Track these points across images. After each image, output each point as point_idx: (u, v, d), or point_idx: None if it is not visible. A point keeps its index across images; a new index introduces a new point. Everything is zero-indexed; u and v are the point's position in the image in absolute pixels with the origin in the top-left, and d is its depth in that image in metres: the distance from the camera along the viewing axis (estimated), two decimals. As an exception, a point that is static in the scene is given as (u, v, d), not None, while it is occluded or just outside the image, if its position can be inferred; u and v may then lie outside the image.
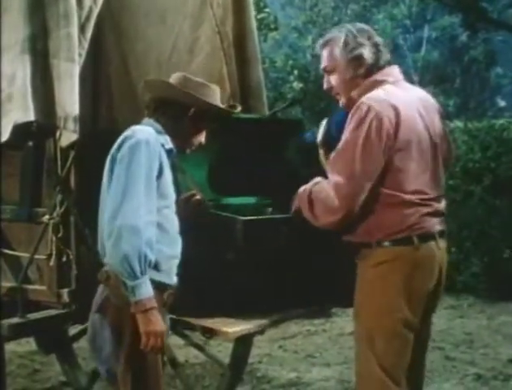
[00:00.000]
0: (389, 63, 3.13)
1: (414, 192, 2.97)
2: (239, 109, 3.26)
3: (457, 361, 5.65)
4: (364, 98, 2.98)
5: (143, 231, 2.71)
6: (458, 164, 8.63)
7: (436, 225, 3.05)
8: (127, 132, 2.88)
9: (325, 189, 2.97)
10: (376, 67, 3.08)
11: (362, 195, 2.92)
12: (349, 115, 2.99)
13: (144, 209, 2.74)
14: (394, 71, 3.14)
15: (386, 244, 2.97)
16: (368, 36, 3.09)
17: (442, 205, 3.13)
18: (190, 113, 2.99)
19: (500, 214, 8.42)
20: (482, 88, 23.33)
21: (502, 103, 25.53)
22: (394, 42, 24.84)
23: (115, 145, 2.87)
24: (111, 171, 2.84)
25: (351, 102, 3.05)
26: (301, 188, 3.13)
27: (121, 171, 2.78)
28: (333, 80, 3.12)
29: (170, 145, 2.95)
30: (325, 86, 3.19)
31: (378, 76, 3.07)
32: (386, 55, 3.12)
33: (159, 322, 2.77)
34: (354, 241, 3.06)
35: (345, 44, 3.06)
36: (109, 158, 2.88)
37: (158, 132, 2.93)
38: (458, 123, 9.83)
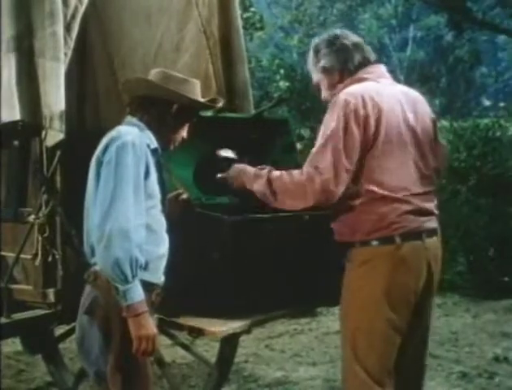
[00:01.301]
0: (368, 61, 3.17)
1: (394, 189, 2.97)
2: (221, 103, 3.25)
3: (442, 359, 5.67)
4: (341, 93, 3.03)
5: (133, 235, 2.70)
6: (444, 163, 8.66)
7: (422, 224, 3.03)
8: (112, 133, 2.87)
9: (296, 179, 2.98)
10: (348, 69, 3.14)
11: (342, 186, 2.93)
12: (327, 111, 3.03)
13: (133, 212, 2.72)
14: (377, 70, 3.18)
15: (368, 243, 2.98)
16: (329, 44, 3.17)
17: (430, 203, 3.11)
18: (173, 110, 2.98)
19: (485, 213, 8.46)
20: (467, 88, 23.46)
21: (487, 103, 25.70)
22: (380, 42, 24.95)
23: (101, 147, 2.85)
24: (98, 173, 2.82)
25: None
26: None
27: (109, 174, 2.76)
28: (322, 92, 3.23)
29: (155, 144, 2.94)
30: (322, 98, 3.28)
31: (359, 74, 3.13)
32: (359, 55, 3.15)
33: (151, 325, 2.76)
34: (340, 241, 3.07)
35: (312, 60, 3.23)
36: (94, 159, 2.86)
37: (142, 132, 2.92)
38: (444, 123, 9.88)
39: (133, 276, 2.69)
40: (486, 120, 10.11)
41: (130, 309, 2.71)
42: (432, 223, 3.10)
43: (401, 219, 2.97)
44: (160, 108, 2.98)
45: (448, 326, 6.79)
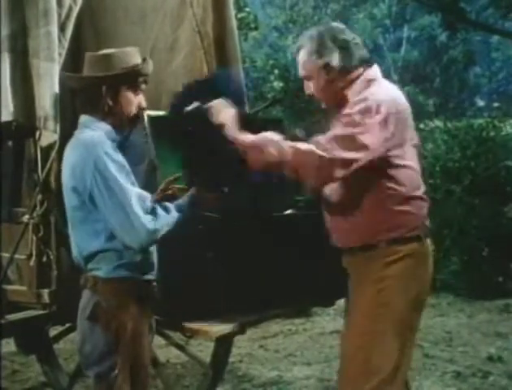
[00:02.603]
0: (364, 60, 3.09)
1: (416, 187, 3.01)
2: (149, 64, 3.03)
3: (436, 358, 5.68)
4: (367, 95, 2.96)
5: (149, 224, 2.78)
6: (438, 164, 8.68)
7: (428, 221, 3.09)
8: (79, 153, 2.83)
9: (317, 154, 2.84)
10: (349, 67, 3.05)
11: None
12: (348, 111, 2.94)
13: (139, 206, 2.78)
14: (377, 70, 3.15)
15: (396, 242, 2.97)
16: (333, 39, 3.05)
17: None
18: (103, 91, 2.90)
19: (479, 213, 8.48)
20: (461, 88, 23.49)
21: (481, 103, 25.72)
22: (374, 42, 24.97)
23: (70, 172, 2.84)
24: (79, 199, 2.81)
25: (336, 102, 3.08)
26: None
27: (105, 200, 2.77)
28: (312, 86, 3.12)
29: (115, 138, 2.92)
30: (306, 92, 3.18)
31: (368, 75, 3.06)
32: (358, 53, 3.07)
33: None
34: (360, 245, 3.02)
35: (311, 53, 3.06)
36: (69, 184, 2.84)
37: (102, 131, 2.89)
38: (438, 123, 9.89)
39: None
40: (480, 120, 10.11)
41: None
42: None
43: (424, 218, 3.03)
44: (93, 96, 2.92)
45: (442, 326, 6.80)
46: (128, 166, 2.84)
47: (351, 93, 3.03)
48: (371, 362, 2.95)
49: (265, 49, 22.06)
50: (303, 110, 11.75)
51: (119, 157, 2.83)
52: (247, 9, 12.28)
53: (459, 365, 5.58)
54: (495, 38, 23.77)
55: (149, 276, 2.93)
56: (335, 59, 3.03)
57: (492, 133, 9.23)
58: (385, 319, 2.96)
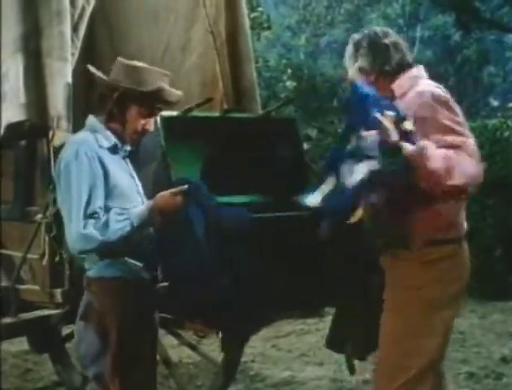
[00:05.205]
0: (407, 62, 3.14)
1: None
2: (174, 93, 3.02)
3: (449, 359, 5.61)
4: (425, 87, 3.06)
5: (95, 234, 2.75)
6: (452, 163, 8.64)
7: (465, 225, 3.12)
8: (63, 148, 2.92)
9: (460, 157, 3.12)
10: (385, 71, 3.10)
11: None
12: (412, 104, 2.98)
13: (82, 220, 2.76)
14: (422, 70, 3.21)
15: (432, 244, 2.97)
16: (369, 44, 3.11)
17: None
18: (114, 97, 2.89)
19: (492, 213, 8.44)
20: (475, 88, 23.37)
21: (495, 103, 25.58)
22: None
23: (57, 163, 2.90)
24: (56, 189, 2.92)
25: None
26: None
27: (61, 197, 2.85)
28: None
29: (111, 141, 2.91)
30: None
31: (415, 72, 3.14)
32: (397, 56, 3.11)
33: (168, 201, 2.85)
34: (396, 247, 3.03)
35: (350, 57, 3.16)
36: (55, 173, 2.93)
37: (95, 132, 2.89)
38: (452, 123, 9.83)
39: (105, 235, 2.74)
40: (494, 121, 10.06)
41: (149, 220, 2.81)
42: None
43: (458, 219, 3.05)
44: (104, 99, 2.93)
45: (455, 326, 6.75)
46: (92, 187, 2.80)
47: (397, 88, 3.08)
48: (404, 359, 2.98)
49: (278, 49, 21.99)
50: (316, 110, 11.74)
51: (93, 167, 2.80)
52: (260, 9, 12.27)
53: (472, 366, 5.55)
54: (509, 37, 23.64)
55: (145, 275, 2.89)
56: (367, 63, 3.10)
57: (506, 133, 9.19)
58: (419, 318, 2.99)
